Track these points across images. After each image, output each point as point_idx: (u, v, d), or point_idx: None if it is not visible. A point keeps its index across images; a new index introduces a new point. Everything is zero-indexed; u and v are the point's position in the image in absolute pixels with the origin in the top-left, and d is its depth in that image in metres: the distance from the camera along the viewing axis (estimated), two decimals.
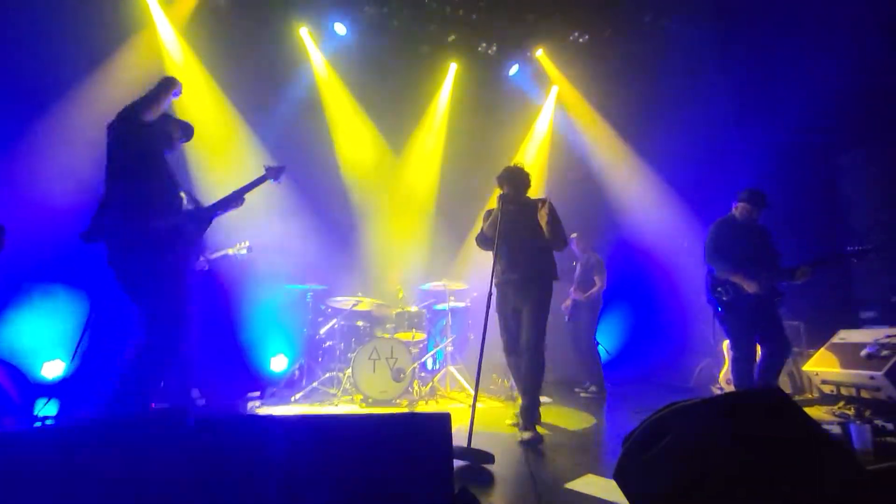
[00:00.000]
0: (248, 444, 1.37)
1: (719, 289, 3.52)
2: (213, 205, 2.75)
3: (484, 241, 3.43)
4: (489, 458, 2.44)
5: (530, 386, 3.15)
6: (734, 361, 3.59)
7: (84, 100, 4.53)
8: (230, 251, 4.32)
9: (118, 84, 4.71)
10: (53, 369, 4.27)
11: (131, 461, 1.45)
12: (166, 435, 1.50)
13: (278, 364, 5.12)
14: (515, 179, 3.41)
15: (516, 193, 3.38)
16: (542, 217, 3.27)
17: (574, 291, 5.41)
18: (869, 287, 4.92)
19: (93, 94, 4.58)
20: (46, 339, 4.26)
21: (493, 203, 3.48)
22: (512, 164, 3.51)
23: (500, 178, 3.44)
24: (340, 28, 6.00)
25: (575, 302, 5.40)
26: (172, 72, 5.35)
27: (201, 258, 4.22)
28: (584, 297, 5.33)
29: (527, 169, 3.52)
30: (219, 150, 5.45)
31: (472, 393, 2.76)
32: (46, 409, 3.73)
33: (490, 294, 2.99)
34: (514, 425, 3.37)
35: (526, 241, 3.35)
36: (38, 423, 3.49)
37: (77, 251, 3.20)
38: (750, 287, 3.39)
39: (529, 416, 3.10)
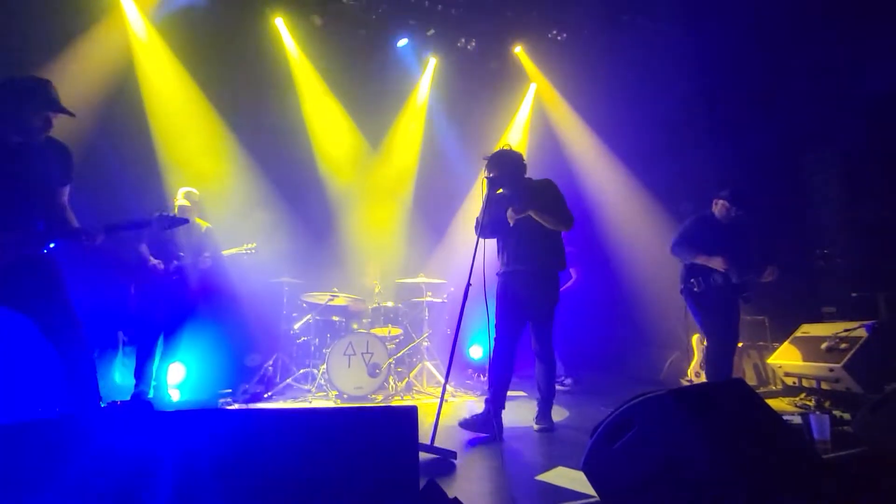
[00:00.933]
0: (214, 438, 1.34)
1: (692, 280, 3.59)
2: (74, 228, 2.38)
3: (476, 226, 3.11)
4: (451, 454, 2.43)
5: (548, 392, 3.30)
6: (707, 352, 3.67)
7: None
8: (235, 250, 4.38)
9: (82, 69, 4.55)
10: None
11: (94, 456, 1.41)
12: (131, 429, 1.47)
13: (252, 360, 5.03)
14: (501, 163, 3.16)
15: (502, 177, 3.13)
16: (530, 215, 3.10)
17: None
18: (831, 283, 5.11)
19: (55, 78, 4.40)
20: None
21: (478, 196, 3.32)
22: (500, 147, 3.28)
23: (488, 164, 3.17)
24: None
25: None
26: (141, 60, 5.17)
27: (206, 255, 4.06)
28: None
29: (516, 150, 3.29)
30: (189, 140, 5.30)
31: (450, 389, 2.75)
32: None
33: (468, 286, 2.83)
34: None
35: (526, 229, 3.13)
36: None
37: None
38: (716, 264, 3.45)
39: (547, 412, 3.27)
